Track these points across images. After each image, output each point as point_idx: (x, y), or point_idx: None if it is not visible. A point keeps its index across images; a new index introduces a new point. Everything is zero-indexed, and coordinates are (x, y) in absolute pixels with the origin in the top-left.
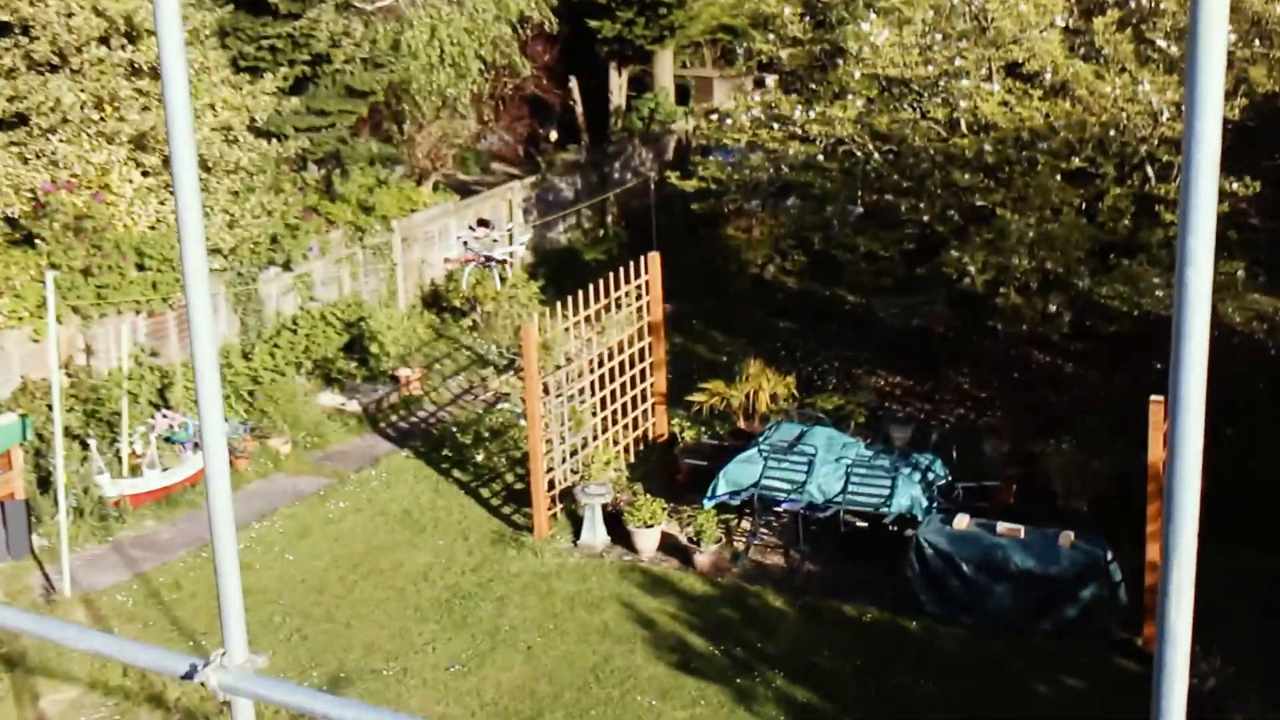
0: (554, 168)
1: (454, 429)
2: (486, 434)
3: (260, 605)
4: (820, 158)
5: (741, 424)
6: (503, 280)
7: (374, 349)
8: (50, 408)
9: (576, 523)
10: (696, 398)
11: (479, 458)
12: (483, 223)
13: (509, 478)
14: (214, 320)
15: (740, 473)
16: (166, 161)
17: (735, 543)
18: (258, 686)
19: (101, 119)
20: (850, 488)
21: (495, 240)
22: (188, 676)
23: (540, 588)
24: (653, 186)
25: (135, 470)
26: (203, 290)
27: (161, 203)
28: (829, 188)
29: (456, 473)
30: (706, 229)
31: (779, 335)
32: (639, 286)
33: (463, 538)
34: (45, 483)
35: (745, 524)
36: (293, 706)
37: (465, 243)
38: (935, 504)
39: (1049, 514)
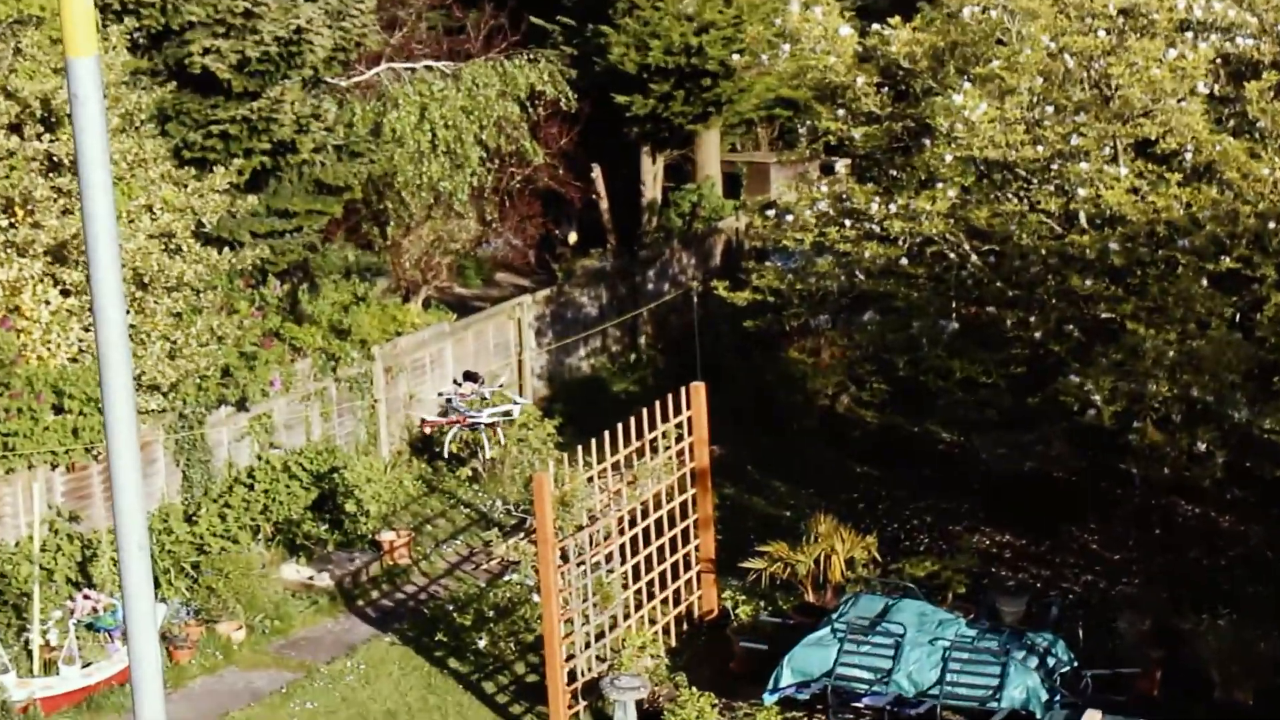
0: (573, 278)
1: (450, 607)
2: (491, 613)
3: None
4: (904, 261)
5: (810, 597)
6: (490, 445)
7: (350, 507)
8: None
9: None
10: (754, 564)
11: (481, 644)
12: (470, 376)
13: (519, 668)
14: (142, 476)
15: (809, 659)
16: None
17: None
18: None
19: (11, 225)
20: (949, 677)
21: (485, 399)
22: None
23: None
24: (696, 299)
25: (49, 667)
26: (127, 435)
27: (86, 328)
28: (915, 299)
29: (454, 663)
30: (763, 351)
31: (855, 483)
32: (680, 425)
33: None
34: None
35: None
36: None
37: (449, 400)
38: (1058, 697)
39: (1203, 708)
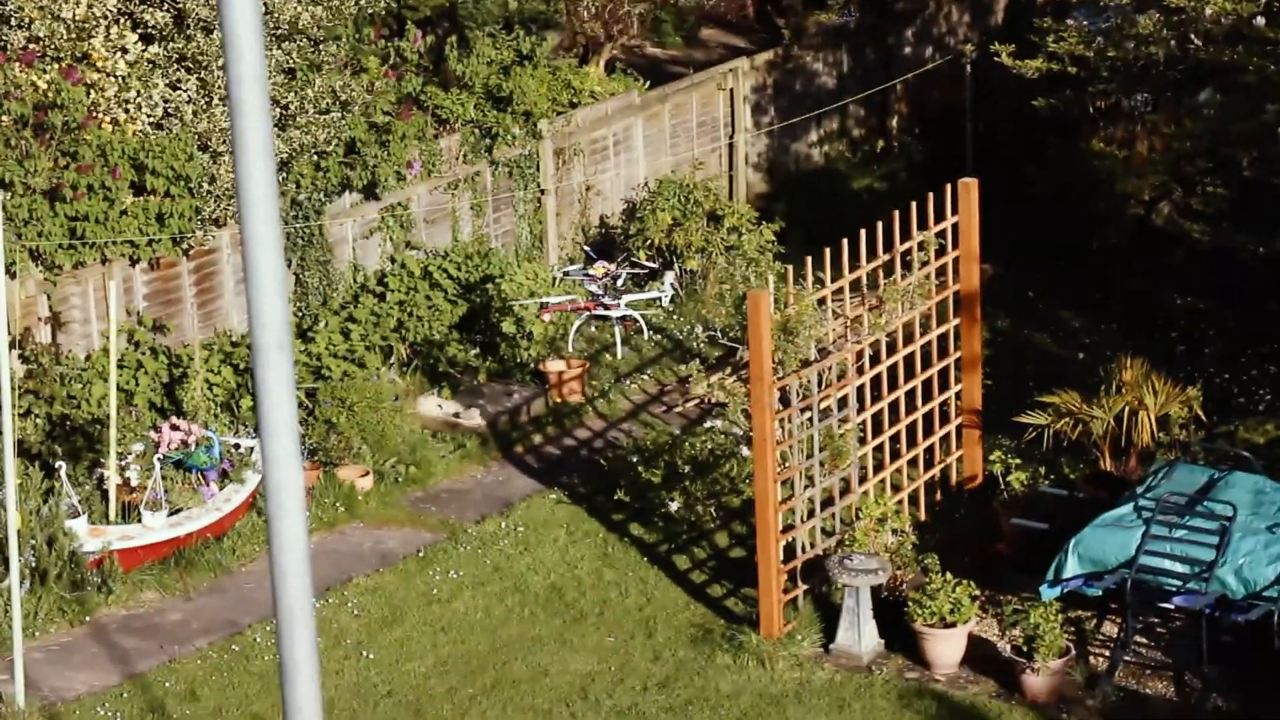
0: (805, 37)
1: (633, 459)
2: (686, 469)
3: None
4: (1260, 21)
5: (1107, 464)
6: (624, 344)
7: (508, 328)
8: None
9: (830, 615)
10: (1033, 419)
11: (673, 506)
12: (604, 251)
13: (721, 539)
14: (283, 277)
15: (1104, 544)
16: (181, 18)
17: (1093, 658)
18: None
19: None
20: None
21: (617, 283)
22: None
23: (769, 718)
24: (968, 70)
25: (129, 512)
26: (269, 226)
27: (173, 85)
28: (1272, 73)
29: (636, 529)
30: (1057, 141)
31: (1175, 320)
32: (941, 234)
33: (645, 633)
34: None
35: (1111, 628)
36: None
37: (576, 280)
38: None
39: None
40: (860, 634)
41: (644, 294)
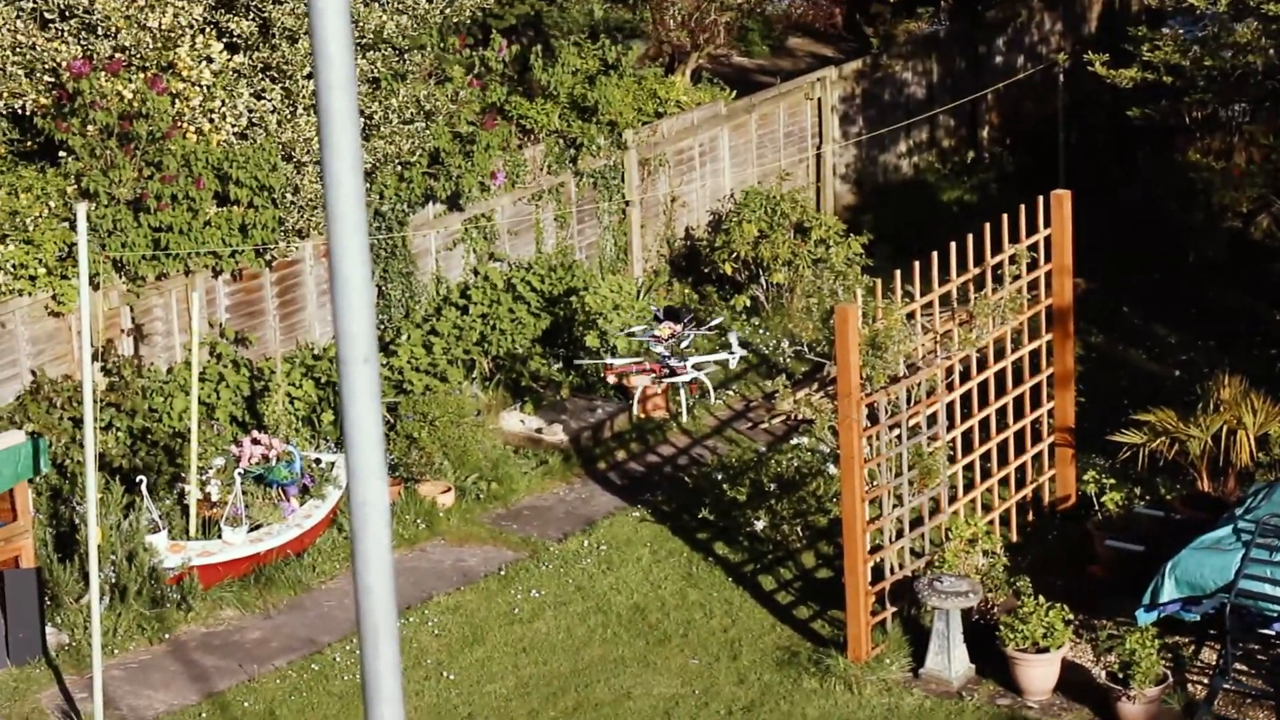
0: (894, 46)
1: (719, 476)
2: (772, 487)
3: None
4: None
5: (1204, 485)
6: (690, 412)
7: (592, 341)
8: (77, 423)
9: (920, 638)
10: (1128, 438)
11: (759, 525)
12: (670, 313)
13: (807, 559)
14: (369, 288)
15: (1202, 567)
16: (266, 26)
17: (1191, 686)
18: None
19: None
20: None
21: (686, 343)
22: None
23: None
24: (1061, 78)
25: (209, 528)
26: (357, 236)
27: (258, 95)
28: None
29: (721, 548)
30: (1152, 152)
31: (1274, 336)
32: (1034, 247)
33: (729, 656)
34: (67, 543)
35: (1209, 655)
36: None
37: (643, 343)
38: None
39: None
40: (951, 658)
41: (711, 355)
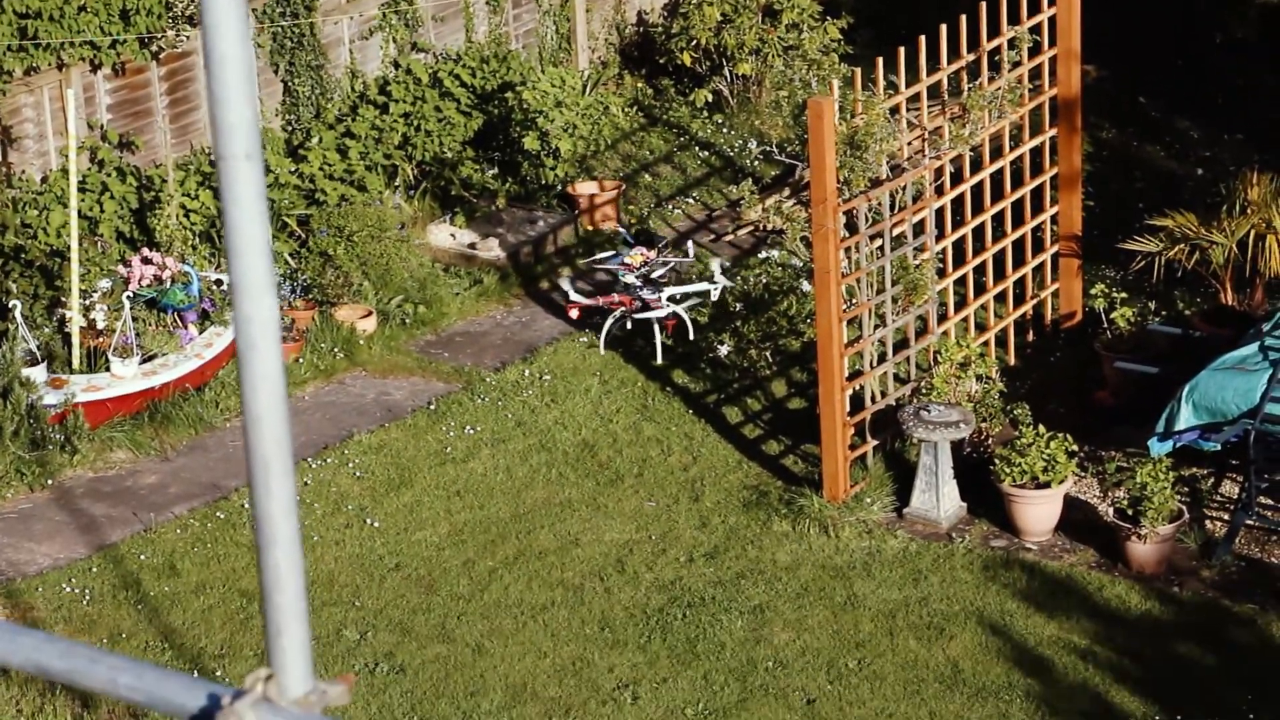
0: None
1: (678, 296)
2: (738, 307)
3: (319, 609)
4: None
5: (1228, 297)
6: (667, 347)
7: (530, 144)
8: None
9: (904, 475)
10: (1141, 245)
11: (723, 351)
12: (643, 237)
13: (778, 388)
14: (251, 70)
15: (1224, 390)
16: None
17: (1210, 523)
18: None
19: None
20: None
21: (661, 273)
22: (203, 718)
23: (833, 593)
24: None
25: (95, 359)
26: (234, 8)
27: None
28: None
29: (680, 377)
30: None
31: None
32: (1035, 30)
33: (690, 497)
34: None
35: (1231, 488)
36: None
37: (611, 272)
38: None
39: None
40: (939, 496)
41: (690, 286)
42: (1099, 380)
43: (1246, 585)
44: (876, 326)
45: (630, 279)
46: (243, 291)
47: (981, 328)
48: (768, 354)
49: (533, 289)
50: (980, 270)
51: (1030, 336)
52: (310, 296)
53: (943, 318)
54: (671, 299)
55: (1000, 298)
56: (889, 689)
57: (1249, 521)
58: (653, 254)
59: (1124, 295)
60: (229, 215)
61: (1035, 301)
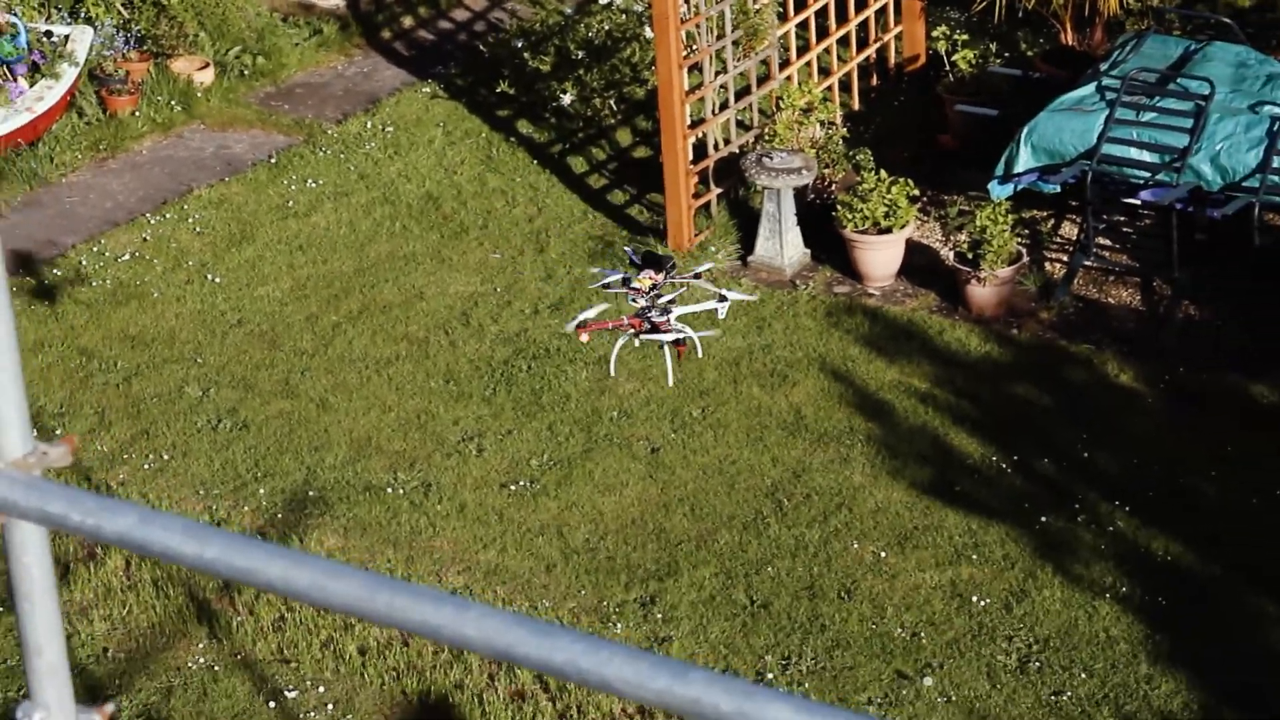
0: None
1: (519, 44)
2: (580, 54)
3: (161, 366)
4: None
5: (1068, 37)
6: (676, 375)
7: None
8: None
9: (748, 223)
10: None
11: (566, 100)
12: (651, 260)
13: (623, 137)
14: None
15: (1061, 131)
16: None
17: (1049, 264)
18: (54, 502)
19: None
20: (1278, 162)
21: (670, 298)
22: None
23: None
24: None
25: None
26: None
27: None
28: None
29: (525, 127)
30: None
31: None
32: None
33: (535, 248)
34: None
35: (1070, 229)
36: (139, 544)
37: (617, 292)
38: None
39: None
40: (782, 243)
41: (698, 306)
42: (941, 124)
43: (1084, 326)
44: (718, 73)
45: (641, 302)
46: None
47: (825, 72)
48: (612, 102)
49: (375, 38)
50: (822, 14)
51: (874, 81)
52: (145, 48)
53: (785, 63)
54: (680, 320)
55: (843, 41)
56: (732, 435)
57: (1087, 263)
58: (661, 276)
59: (966, 37)
60: None
61: (878, 45)
